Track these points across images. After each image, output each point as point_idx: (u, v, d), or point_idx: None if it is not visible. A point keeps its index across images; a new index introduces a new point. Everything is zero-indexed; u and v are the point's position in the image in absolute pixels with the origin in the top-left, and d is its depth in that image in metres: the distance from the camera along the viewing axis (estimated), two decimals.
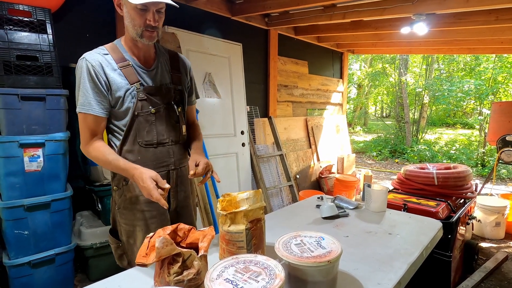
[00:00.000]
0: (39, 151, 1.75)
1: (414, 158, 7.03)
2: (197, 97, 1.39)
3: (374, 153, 7.86)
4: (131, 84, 1.09)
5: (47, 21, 1.81)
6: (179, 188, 1.25)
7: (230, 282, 0.70)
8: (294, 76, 4.19)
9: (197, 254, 0.82)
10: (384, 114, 20.01)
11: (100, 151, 1.07)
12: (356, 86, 13.15)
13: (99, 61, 1.06)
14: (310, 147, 4.38)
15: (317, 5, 2.86)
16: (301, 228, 1.35)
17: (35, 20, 1.78)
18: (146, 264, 0.75)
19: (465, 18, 2.79)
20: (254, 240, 1.02)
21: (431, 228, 1.34)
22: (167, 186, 1.01)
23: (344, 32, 3.67)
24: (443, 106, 8.45)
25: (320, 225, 1.39)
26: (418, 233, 1.29)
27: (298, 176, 4.00)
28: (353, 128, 13.12)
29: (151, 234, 0.90)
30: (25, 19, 1.75)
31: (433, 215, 1.99)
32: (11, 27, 1.72)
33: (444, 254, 1.97)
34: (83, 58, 1.06)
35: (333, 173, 4.41)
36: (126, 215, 1.17)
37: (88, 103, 1.05)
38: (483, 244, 2.79)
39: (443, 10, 2.51)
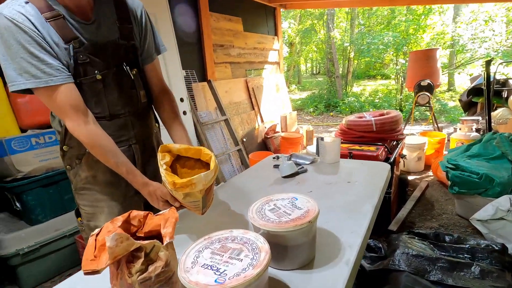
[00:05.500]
0: None
1: (346, 110, 7.62)
2: (159, 51, 1.06)
3: (311, 109, 8.26)
4: (66, 43, 0.81)
5: None
6: (147, 163, 1.07)
7: (209, 267, 0.60)
8: (229, 35, 3.92)
9: (162, 243, 0.69)
10: (314, 71, 20.99)
11: (104, 142, 0.88)
12: (288, 44, 13.27)
13: (23, 14, 0.75)
14: (253, 109, 4.32)
15: None
16: (263, 190, 1.30)
17: None
18: (98, 270, 0.60)
19: None
20: (209, 200, 0.95)
21: (382, 171, 1.42)
22: (177, 205, 0.91)
23: None
24: (367, 59, 9.16)
25: (282, 184, 1.36)
26: (373, 177, 1.36)
27: (245, 140, 3.95)
28: (288, 87, 13.49)
29: (97, 230, 0.72)
30: None
31: (375, 158, 2.17)
32: None
33: (386, 191, 2.19)
34: (0, 14, 0.75)
35: (277, 132, 4.48)
36: (84, 196, 0.99)
37: (48, 72, 0.78)
38: (409, 177, 3.22)
39: None
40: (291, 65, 13.63)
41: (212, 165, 0.88)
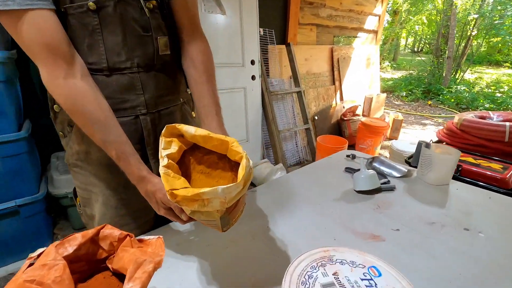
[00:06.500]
0: None
1: (451, 101, 6.18)
2: None
3: (404, 93, 7.00)
4: None
5: None
6: None
7: None
8: None
9: None
10: (416, 48, 17.89)
11: (90, 108, 0.58)
12: (390, 12, 11.32)
13: None
14: (334, 84, 3.72)
15: None
16: (324, 208, 0.90)
17: None
18: None
19: None
20: (234, 216, 0.59)
21: None
22: (184, 218, 0.59)
23: None
24: (497, 38, 7.08)
25: (353, 203, 0.93)
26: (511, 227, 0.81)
27: (316, 118, 3.46)
28: (381, 63, 11.79)
29: (39, 251, 0.46)
30: None
31: (500, 182, 1.50)
32: None
33: None
34: None
35: (357, 115, 3.82)
36: (77, 176, 0.75)
37: None
38: None
39: None
40: (389, 38, 11.77)
41: (240, 174, 0.50)
